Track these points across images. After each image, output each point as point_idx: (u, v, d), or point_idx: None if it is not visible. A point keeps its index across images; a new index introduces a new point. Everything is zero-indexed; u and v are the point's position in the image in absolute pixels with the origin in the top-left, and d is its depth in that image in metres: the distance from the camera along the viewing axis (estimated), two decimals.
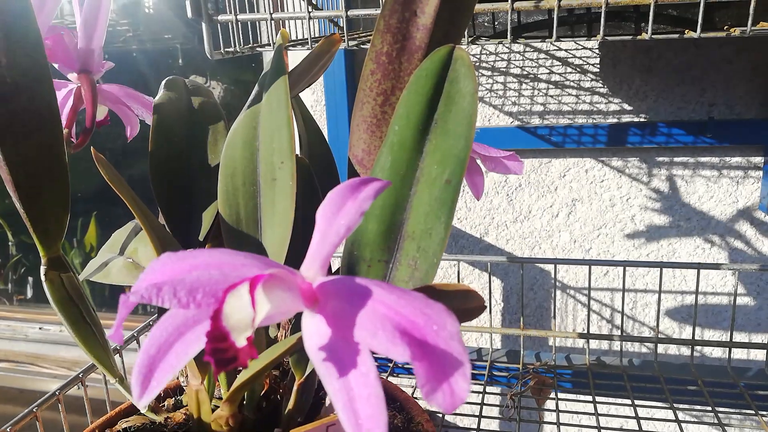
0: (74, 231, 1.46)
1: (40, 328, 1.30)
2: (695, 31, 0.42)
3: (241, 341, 0.17)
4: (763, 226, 0.77)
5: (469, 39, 0.46)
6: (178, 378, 0.34)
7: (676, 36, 0.43)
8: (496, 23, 0.47)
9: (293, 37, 0.78)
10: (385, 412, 0.16)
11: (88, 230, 1.43)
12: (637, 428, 0.47)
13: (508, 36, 0.44)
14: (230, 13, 0.48)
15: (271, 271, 0.18)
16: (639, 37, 0.43)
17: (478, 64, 0.81)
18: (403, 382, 0.69)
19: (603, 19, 0.42)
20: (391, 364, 0.64)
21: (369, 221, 0.28)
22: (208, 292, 0.18)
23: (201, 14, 0.46)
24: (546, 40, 0.44)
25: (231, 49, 0.51)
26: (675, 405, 0.50)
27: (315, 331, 0.18)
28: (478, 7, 0.44)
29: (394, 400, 0.35)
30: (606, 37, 0.43)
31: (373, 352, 0.17)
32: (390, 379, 0.59)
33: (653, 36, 0.42)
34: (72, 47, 0.31)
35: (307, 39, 0.47)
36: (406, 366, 0.68)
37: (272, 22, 0.46)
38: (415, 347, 0.16)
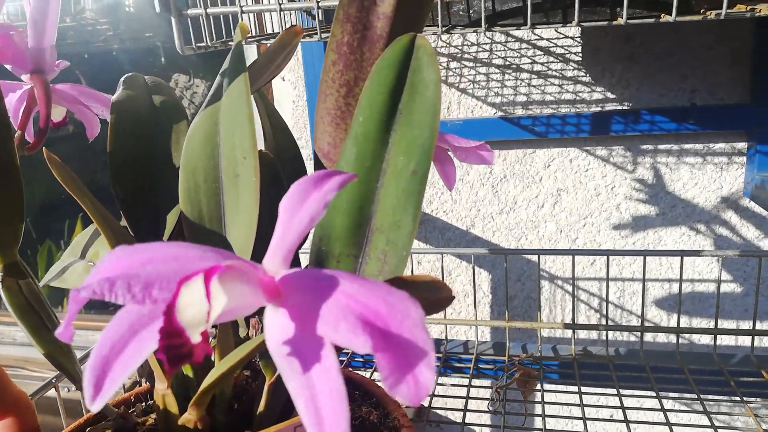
0: (61, 233, 1.44)
1: None
2: (671, 14, 0.41)
3: (195, 337, 0.17)
4: (747, 212, 0.77)
5: (444, 28, 0.45)
6: (147, 383, 0.33)
7: (652, 20, 0.43)
8: (471, 11, 0.46)
9: (270, 31, 0.77)
10: (346, 407, 0.15)
11: (74, 232, 1.41)
12: (622, 418, 0.46)
13: (482, 24, 0.43)
14: (200, 6, 0.47)
15: (229, 263, 0.17)
16: (615, 21, 0.43)
17: (460, 55, 0.80)
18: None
19: (577, 4, 0.41)
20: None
21: (336, 215, 0.28)
22: (165, 287, 0.17)
23: (169, 9, 0.45)
24: (521, 28, 0.43)
25: (203, 44, 0.50)
26: (660, 393, 0.50)
27: (276, 326, 0.17)
28: None
29: (371, 395, 0.35)
30: (581, 23, 0.42)
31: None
32: (372, 376, 0.58)
33: (629, 21, 0.42)
34: (23, 47, 0.30)
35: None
36: None
37: (243, 15, 0.45)
38: (378, 338, 0.15)
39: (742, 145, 0.76)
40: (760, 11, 0.42)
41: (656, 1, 0.43)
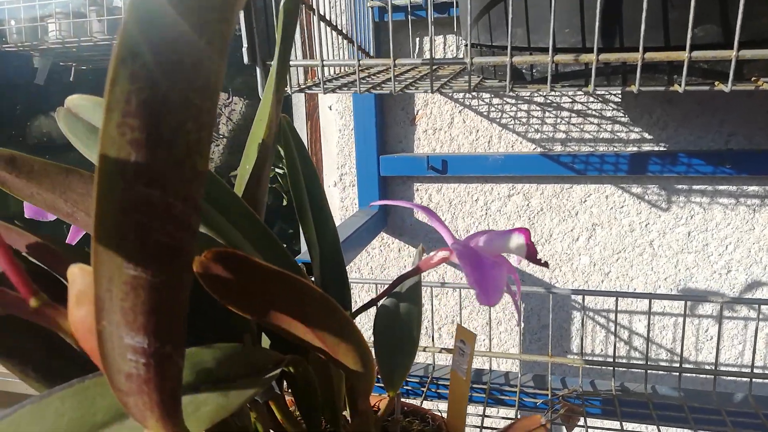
0: None
1: None
2: (725, 83, 0.44)
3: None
4: None
5: (511, 85, 0.49)
6: None
7: (707, 88, 0.46)
8: (534, 71, 0.49)
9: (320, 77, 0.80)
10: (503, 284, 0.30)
11: None
12: None
13: (548, 85, 0.46)
14: None
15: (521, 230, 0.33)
16: (672, 88, 0.46)
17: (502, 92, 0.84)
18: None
19: (639, 72, 0.44)
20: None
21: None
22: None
23: (256, 60, 0.49)
24: (582, 89, 0.47)
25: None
26: None
27: None
28: (521, 59, 0.46)
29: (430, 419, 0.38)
30: (640, 88, 0.45)
31: None
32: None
33: (686, 88, 0.45)
34: None
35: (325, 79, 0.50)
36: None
37: (323, 67, 0.49)
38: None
39: None
40: None
41: (711, 69, 0.46)
